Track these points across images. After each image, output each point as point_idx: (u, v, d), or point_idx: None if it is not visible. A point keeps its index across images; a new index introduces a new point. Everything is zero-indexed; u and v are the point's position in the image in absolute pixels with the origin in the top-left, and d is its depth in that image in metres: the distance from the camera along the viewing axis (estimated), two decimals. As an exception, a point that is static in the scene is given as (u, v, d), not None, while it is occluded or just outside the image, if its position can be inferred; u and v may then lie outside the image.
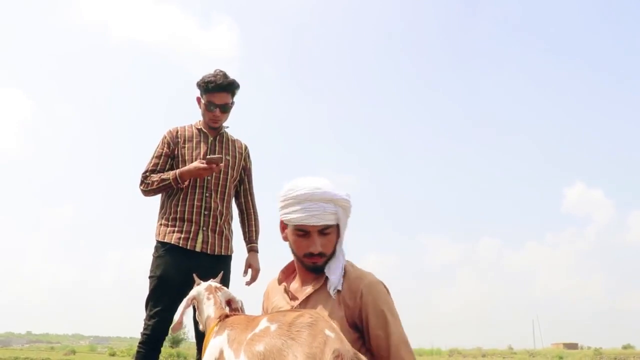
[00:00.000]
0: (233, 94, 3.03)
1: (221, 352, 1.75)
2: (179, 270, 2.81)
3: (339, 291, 1.76)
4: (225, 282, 2.86)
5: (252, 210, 3.18)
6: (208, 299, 2.02)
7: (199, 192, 2.94)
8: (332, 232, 1.80)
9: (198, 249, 2.88)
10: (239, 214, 3.20)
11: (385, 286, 1.80)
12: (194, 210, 2.92)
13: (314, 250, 1.79)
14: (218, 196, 2.99)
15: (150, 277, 2.91)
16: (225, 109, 3.02)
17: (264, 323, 1.61)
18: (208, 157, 2.85)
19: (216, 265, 2.82)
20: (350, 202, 1.80)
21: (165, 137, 3.07)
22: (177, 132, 3.07)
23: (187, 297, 2.07)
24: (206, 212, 2.93)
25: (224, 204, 3.02)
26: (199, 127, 3.10)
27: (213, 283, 2.12)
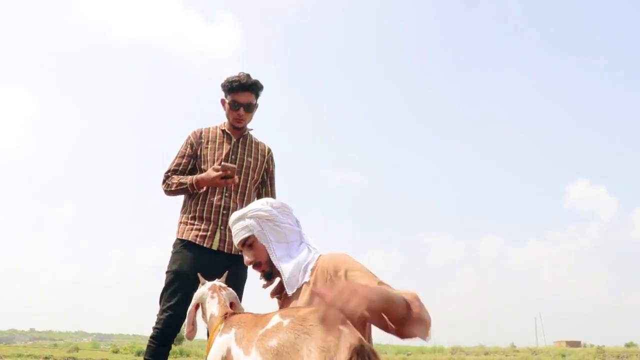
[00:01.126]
0: (257, 95, 3.08)
1: (228, 351, 1.73)
2: (195, 267, 2.78)
3: (307, 283, 1.82)
4: (240, 281, 2.90)
5: None
6: (212, 297, 2.02)
7: (219, 192, 2.98)
8: (254, 242, 1.94)
9: (215, 247, 2.92)
10: None
11: (350, 257, 1.82)
12: (213, 209, 2.96)
13: (247, 263, 1.98)
14: (238, 197, 3.02)
15: (166, 272, 2.94)
16: (250, 108, 3.06)
17: (276, 319, 1.59)
18: (223, 163, 2.88)
19: (233, 264, 2.84)
20: (267, 207, 1.93)
21: (190, 138, 3.12)
22: (202, 132, 3.13)
23: (193, 299, 2.06)
24: (225, 212, 2.96)
25: (243, 205, 3.01)
26: (223, 129, 3.14)
27: (217, 282, 2.10)
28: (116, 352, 18.67)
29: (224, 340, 1.78)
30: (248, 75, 3.05)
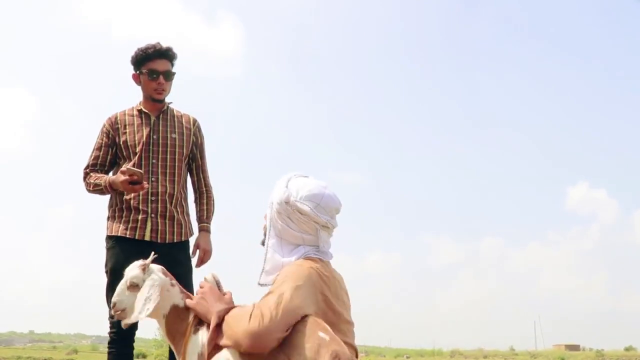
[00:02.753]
0: (172, 63, 2.85)
1: (203, 345, 1.75)
2: (131, 262, 2.51)
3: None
4: (182, 267, 2.67)
5: (204, 189, 2.97)
6: (172, 285, 1.88)
7: (144, 178, 2.69)
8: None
9: (147, 238, 2.70)
10: (193, 194, 2.99)
11: (309, 270, 1.70)
12: (140, 197, 2.72)
13: (264, 215, 1.92)
14: (167, 178, 2.78)
15: (105, 272, 2.75)
16: (169, 76, 2.82)
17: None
18: (128, 167, 2.60)
19: (170, 253, 2.61)
20: (281, 200, 1.80)
21: (105, 126, 2.85)
22: (117, 117, 2.85)
23: (155, 288, 1.85)
24: (153, 198, 2.74)
25: (174, 186, 2.80)
26: (139, 109, 2.87)
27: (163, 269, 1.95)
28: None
29: (198, 337, 1.79)
30: (160, 43, 2.84)
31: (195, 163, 2.96)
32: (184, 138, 2.88)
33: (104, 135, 2.83)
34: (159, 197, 2.75)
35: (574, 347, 32.86)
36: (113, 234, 2.74)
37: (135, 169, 2.60)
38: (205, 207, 2.94)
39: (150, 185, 2.73)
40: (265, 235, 1.89)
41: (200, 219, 2.93)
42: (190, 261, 2.83)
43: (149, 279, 1.89)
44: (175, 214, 2.79)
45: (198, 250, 2.85)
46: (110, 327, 2.67)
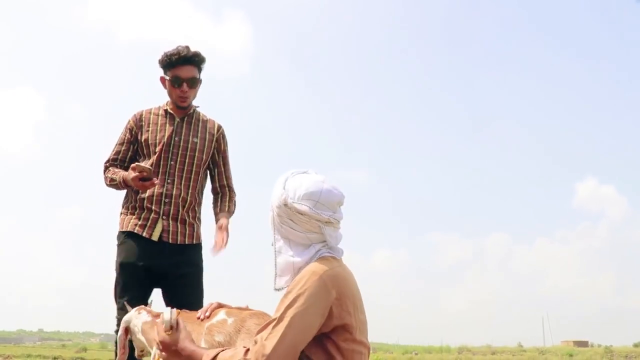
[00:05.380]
0: (200, 69, 2.80)
1: None
2: (141, 256, 2.65)
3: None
4: (194, 268, 2.73)
5: (226, 190, 2.91)
6: (139, 313, 2.13)
7: (161, 179, 2.72)
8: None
9: (155, 238, 2.68)
10: (213, 196, 2.94)
11: (323, 281, 1.63)
12: (154, 198, 2.70)
13: None
14: (182, 182, 2.75)
15: (115, 267, 2.73)
16: (193, 83, 2.77)
17: (221, 315, 1.85)
18: (136, 164, 2.60)
19: (178, 255, 2.68)
20: (280, 203, 1.74)
21: (129, 122, 2.85)
22: (142, 115, 2.85)
23: (121, 323, 2.17)
24: (167, 200, 2.72)
25: (189, 191, 2.77)
26: (166, 109, 2.86)
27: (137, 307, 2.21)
28: (124, 352, 18.73)
29: None
30: (188, 47, 2.76)
31: (217, 169, 2.92)
32: (206, 143, 2.85)
33: (128, 131, 2.84)
34: (172, 200, 2.72)
35: (582, 344, 32.71)
36: (124, 229, 2.74)
37: (143, 165, 2.59)
38: (227, 204, 2.87)
39: (165, 187, 2.72)
40: (272, 238, 1.85)
41: (221, 210, 2.84)
42: (202, 262, 2.81)
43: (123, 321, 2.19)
44: (187, 218, 2.76)
45: (218, 233, 2.75)
46: (117, 325, 2.60)
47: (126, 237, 2.72)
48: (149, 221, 2.70)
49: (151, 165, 2.69)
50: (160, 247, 2.68)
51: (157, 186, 2.68)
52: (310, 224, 1.72)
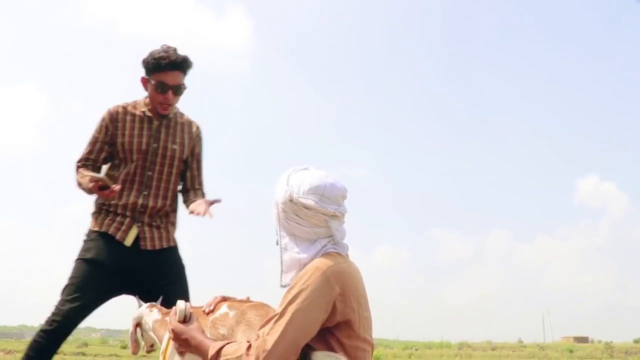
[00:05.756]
0: (186, 74, 2.63)
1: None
2: (113, 259, 2.54)
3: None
4: (177, 268, 2.70)
5: (200, 192, 2.79)
6: (150, 311, 2.19)
7: (137, 190, 2.62)
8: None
9: (128, 243, 2.58)
10: (184, 195, 2.82)
11: (327, 277, 1.63)
12: (129, 206, 2.60)
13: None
14: (160, 192, 2.66)
15: (76, 260, 2.58)
16: (179, 90, 2.62)
17: (223, 309, 1.90)
18: (91, 175, 2.44)
19: (154, 258, 2.61)
20: (285, 199, 1.75)
21: (104, 119, 2.66)
22: (118, 113, 2.66)
23: (132, 320, 2.20)
24: (142, 210, 2.62)
25: (166, 201, 2.69)
26: (144, 110, 2.67)
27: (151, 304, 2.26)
28: (124, 347, 18.76)
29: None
30: (176, 50, 2.58)
31: (190, 173, 2.80)
32: (184, 150, 2.73)
33: (103, 129, 2.66)
34: (148, 211, 2.64)
35: (582, 340, 32.80)
36: (96, 229, 2.61)
37: (98, 175, 2.43)
38: (200, 195, 2.77)
39: (140, 197, 2.61)
40: (277, 235, 1.85)
41: (199, 198, 2.73)
42: (181, 260, 2.75)
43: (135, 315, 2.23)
44: (162, 224, 2.70)
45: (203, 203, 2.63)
46: (54, 314, 2.46)
47: (98, 236, 2.60)
48: (124, 225, 2.60)
49: (127, 174, 2.60)
50: (134, 251, 2.59)
51: (132, 196, 2.58)
52: (317, 218, 1.73)
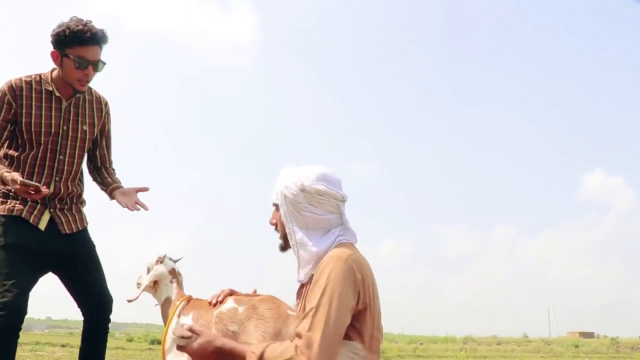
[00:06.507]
0: (102, 49, 2.46)
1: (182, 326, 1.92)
2: (32, 240, 2.43)
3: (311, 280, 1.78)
4: (90, 247, 2.63)
5: (110, 170, 2.74)
6: (171, 282, 2.27)
7: (47, 175, 2.49)
8: (278, 209, 1.86)
9: (42, 227, 2.46)
10: (92, 172, 2.74)
11: (349, 265, 1.67)
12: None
13: (270, 222, 1.93)
14: (71, 176, 2.56)
15: None
16: (100, 67, 2.46)
17: (230, 304, 1.88)
18: (23, 181, 2.26)
19: (69, 242, 2.53)
20: (294, 189, 1.79)
21: (6, 95, 2.43)
22: (21, 89, 2.44)
23: (150, 276, 2.28)
24: (53, 196, 2.51)
25: (76, 182, 2.61)
26: (50, 89, 2.49)
27: (176, 268, 2.33)
28: (130, 340, 18.90)
29: (182, 321, 2.02)
30: (93, 24, 2.41)
31: (100, 151, 2.70)
32: (94, 130, 2.62)
33: (6, 105, 2.43)
34: (60, 195, 2.54)
35: (588, 335, 32.71)
36: (5, 213, 2.44)
37: (30, 182, 2.29)
38: (116, 177, 2.73)
39: (52, 184, 2.50)
40: (283, 238, 1.87)
41: (115, 182, 2.69)
42: (92, 241, 2.67)
43: (153, 269, 2.31)
44: (73, 205, 2.62)
45: (135, 195, 2.62)
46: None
47: (11, 220, 2.44)
48: (35, 210, 2.48)
49: (34, 158, 2.47)
50: (49, 234, 2.49)
51: (42, 181, 2.45)
52: (330, 204, 1.80)
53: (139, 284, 2.39)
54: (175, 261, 2.36)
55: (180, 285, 2.28)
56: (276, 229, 1.92)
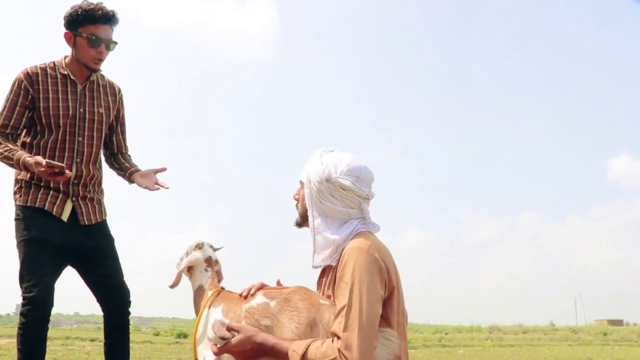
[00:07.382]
0: (113, 30, 2.53)
1: (214, 320, 1.86)
2: (54, 234, 2.45)
3: (332, 267, 1.77)
4: (108, 238, 2.66)
5: (127, 156, 2.78)
6: (206, 270, 2.22)
7: (68, 157, 2.50)
8: (302, 190, 1.85)
9: (65, 218, 2.49)
10: (109, 159, 2.78)
11: (372, 255, 1.66)
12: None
13: (293, 196, 1.92)
14: (92, 159, 2.58)
15: (20, 242, 2.45)
16: (112, 45, 2.52)
17: (260, 298, 1.83)
18: (48, 161, 2.29)
19: (91, 235, 2.56)
20: (320, 179, 1.76)
21: (21, 81, 2.47)
22: (37, 75, 2.49)
23: (186, 260, 2.24)
24: (76, 181, 2.52)
25: (96, 166, 2.63)
26: (65, 73, 2.54)
27: (214, 256, 2.27)
28: (157, 334, 19.13)
29: (212, 312, 1.99)
30: (104, 4, 2.48)
31: (116, 137, 2.75)
32: (110, 113, 2.67)
33: (22, 92, 2.47)
34: (82, 180, 2.56)
35: (617, 322, 32.26)
36: (28, 204, 2.47)
37: (56, 162, 2.32)
38: (133, 162, 2.77)
39: (74, 166, 2.51)
40: (302, 216, 1.87)
41: (133, 166, 2.73)
42: (111, 233, 2.69)
43: (191, 254, 2.25)
44: (95, 195, 2.64)
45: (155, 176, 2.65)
46: (27, 303, 2.35)
47: (33, 212, 2.46)
48: (58, 200, 2.49)
49: (54, 142, 2.49)
50: (71, 226, 2.51)
51: (64, 165, 2.40)
52: (351, 200, 1.77)
53: (178, 267, 2.36)
54: (215, 249, 2.30)
55: (215, 274, 2.22)
56: (297, 204, 1.90)
